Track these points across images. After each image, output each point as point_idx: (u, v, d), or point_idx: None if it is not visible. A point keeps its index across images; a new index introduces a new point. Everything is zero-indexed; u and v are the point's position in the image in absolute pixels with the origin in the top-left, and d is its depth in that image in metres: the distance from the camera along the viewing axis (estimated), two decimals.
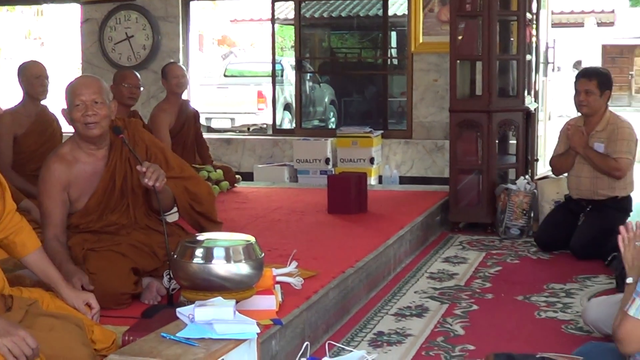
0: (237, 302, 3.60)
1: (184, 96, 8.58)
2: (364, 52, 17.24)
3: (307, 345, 3.45)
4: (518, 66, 7.99)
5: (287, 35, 21.74)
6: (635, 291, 3.34)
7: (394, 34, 14.66)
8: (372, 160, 9.86)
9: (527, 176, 7.73)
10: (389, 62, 13.10)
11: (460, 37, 7.94)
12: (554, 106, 18.54)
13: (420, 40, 10.07)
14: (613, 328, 3.46)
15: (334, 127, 13.57)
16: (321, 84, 15.97)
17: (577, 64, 24.88)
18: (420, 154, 10.12)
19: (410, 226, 6.76)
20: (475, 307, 5.42)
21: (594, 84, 6.78)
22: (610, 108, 6.96)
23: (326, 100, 16.04)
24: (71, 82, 4.47)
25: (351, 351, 3.38)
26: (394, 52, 14.62)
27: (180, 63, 10.30)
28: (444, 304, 5.46)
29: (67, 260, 4.30)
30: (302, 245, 5.79)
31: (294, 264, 4.65)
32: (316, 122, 15.57)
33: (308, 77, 14.80)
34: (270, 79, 11.63)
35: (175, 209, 4.83)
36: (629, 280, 3.51)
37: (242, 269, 3.87)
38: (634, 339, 3.35)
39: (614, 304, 4.34)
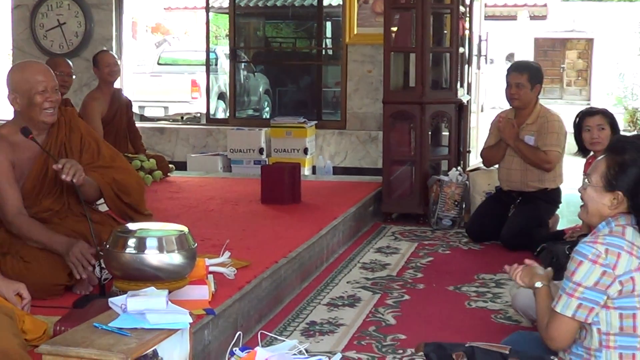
0: (169, 292, 3.59)
1: (117, 84, 8.50)
2: (298, 42, 17.22)
3: (239, 334, 3.45)
4: (451, 59, 8.08)
5: (222, 24, 21.62)
6: (562, 287, 3.40)
7: (329, 25, 14.67)
8: (306, 151, 9.88)
9: (459, 167, 7.82)
10: (323, 53, 13.11)
11: (394, 29, 7.99)
12: (487, 98, 18.76)
13: (355, 32, 10.12)
14: (541, 328, 3.52)
15: (268, 117, 13.54)
16: (256, 74, 15.92)
17: (510, 56, 25.17)
18: (353, 144, 10.17)
19: (343, 217, 6.80)
20: (407, 297, 5.48)
21: (525, 77, 6.88)
22: (542, 101, 7.07)
23: (261, 89, 16.00)
24: (24, 68, 4.54)
25: (283, 341, 3.39)
26: (328, 42, 14.64)
27: (113, 51, 10.20)
28: (376, 294, 5.51)
29: (46, 229, 4.37)
30: (235, 236, 5.78)
31: (227, 254, 4.65)
32: (250, 112, 15.53)
33: (242, 67, 14.75)
34: (204, 67, 11.59)
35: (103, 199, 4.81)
36: (538, 284, 3.60)
37: (175, 259, 3.86)
38: (563, 334, 3.41)
39: None
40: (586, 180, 3.51)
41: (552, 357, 3.46)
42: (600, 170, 3.45)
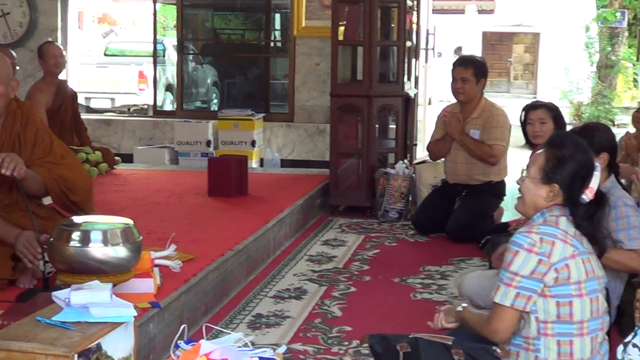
0: (114, 285, 3.58)
1: (62, 76, 8.42)
2: (247, 34, 17.15)
3: (184, 327, 3.45)
4: (398, 52, 8.12)
5: (170, 15, 21.44)
6: (499, 278, 3.46)
7: (277, 16, 14.63)
8: (253, 143, 9.88)
9: (405, 160, 7.87)
10: (272, 45, 13.09)
11: (342, 23, 8.01)
12: (435, 91, 18.88)
13: (303, 24, 10.13)
14: (483, 331, 3.56)
15: (216, 108, 13.48)
16: (204, 65, 15.83)
17: (458, 50, 25.35)
18: (301, 137, 10.19)
19: (290, 209, 6.81)
20: (353, 289, 5.51)
21: (470, 72, 6.95)
22: (489, 94, 7.13)
23: (209, 81, 15.91)
24: None
25: (229, 334, 3.39)
26: (277, 34, 14.61)
27: (59, 41, 10.08)
28: (323, 286, 5.53)
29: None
30: (181, 228, 5.77)
31: (173, 247, 4.64)
32: (199, 104, 15.43)
33: (191, 58, 14.66)
34: (152, 59, 11.52)
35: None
36: (459, 308, 3.70)
37: (120, 252, 3.85)
38: (505, 325, 3.46)
39: (489, 277, 4.50)
40: (524, 172, 3.59)
41: (494, 348, 3.50)
42: (538, 163, 3.53)
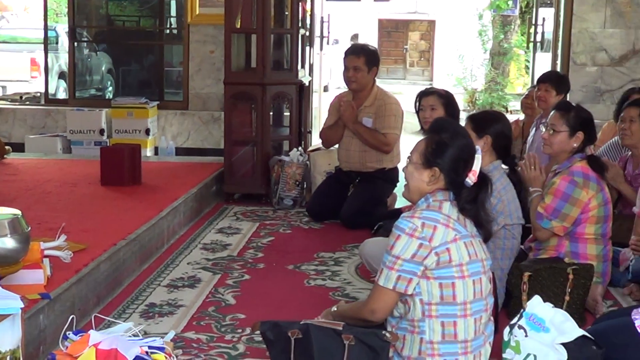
0: (2, 277, 3.54)
1: None
2: (142, 21, 16.95)
3: (72, 318, 3.43)
4: (292, 40, 8.15)
5: (63, 1, 21.11)
6: (382, 262, 3.54)
7: (173, 3, 14.49)
8: (147, 132, 9.80)
9: (300, 148, 7.92)
10: (167, 32, 12.97)
11: (236, 10, 7.99)
12: (332, 79, 18.98)
13: (197, 12, 10.07)
14: (360, 314, 3.65)
15: (111, 96, 13.31)
16: (98, 53, 15.60)
17: (355, 37, 25.54)
18: (196, 125, 10.14)
19: (184, 197, 6.79)
20: (247, 276, 5.53)
21: (362, 60, 7.01)
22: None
23: (103, 69, 15.67)
24: None
25: (119, 324, 3.39)
26: (173, 21, 14.48)
27: None
28: (217, 275, 5.54)
29: None
30: (73, 218, 5.71)
31: (63, 237, 4.58)
32: (93, 92, 15.21)
33: (84, 45, 14.43)
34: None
35: None
36: (334, 308, 3.85)
37: (7, 243, 3.79)
38: (383, 305, 3.56)
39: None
40: (408, 158, 3.67)
41: (383, 332, 3.57)
42: (420, 149, 3.62)
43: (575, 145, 4.95)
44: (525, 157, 5.25)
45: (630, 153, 6.08)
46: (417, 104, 6.10)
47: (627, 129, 5.87)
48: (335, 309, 3.82)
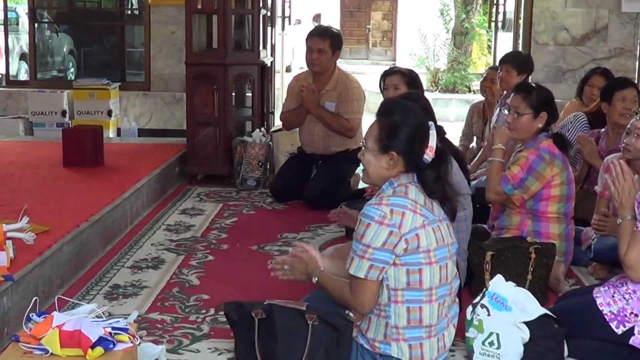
0: None
1: None
2: (103, 2, 16.81)
3: (35, 300, 3.42)
4: (253, 20, 8.13)
5: None
6: (352, 250, 3.52)
7: None
8: (110, 113, 9.75)
9: (262, 128, 7.91)
10: (129, 13, 12.87)
11: None
12: (295, 59, 18.92)
13: None
14: (346, 302, 3.63)
15: (73, 78, 13.20)
16: (59, 34, 15.45)
17: (317, 17, 25.46)
18: (159, 106, 10.10)
19: (147, 179, 6.76)
20: (210, 257, 5.54)
21: (327, 43, 7.00)
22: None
23: (65, 50, 15.53)
24: None
25: (83, 305, 3.39)
26: (134, 2, 14.37)
27: None
28: (180, 256, 5.54)
29: None
30: (35, 200, 5.67)
31: (25, 219, 4.57)
32: (55, 73, 15.08)
33: (46, 26, 14.29)
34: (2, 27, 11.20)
35: None
36: (315, 279, 3.81)
37: None
38: (370, 296, 3.53)
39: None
40: (363, 146, 3.64)
41: (347, 312, 3.59)
42: (374, 135, 3.58)
43: (539, 125, 4.98)
44: (500, 115, 5.24)
45: (603, 129, 6.12)
46: (382, 83, 6.11)
47: (629, 108, 5.91)
48: (315, 280, 3.77)
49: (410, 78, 6.04)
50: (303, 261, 3.83)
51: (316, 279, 3.77)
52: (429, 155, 3.53)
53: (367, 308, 3.57)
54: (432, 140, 3.55)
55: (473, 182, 6.06)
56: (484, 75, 7.99)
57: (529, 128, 4.98)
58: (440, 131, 4.74)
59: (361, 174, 3.81)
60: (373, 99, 14.56)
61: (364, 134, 7.00)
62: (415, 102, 4.45)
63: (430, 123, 3.60)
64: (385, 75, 6.11)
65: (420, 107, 4.22)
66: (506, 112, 5.11)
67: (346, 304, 3.61)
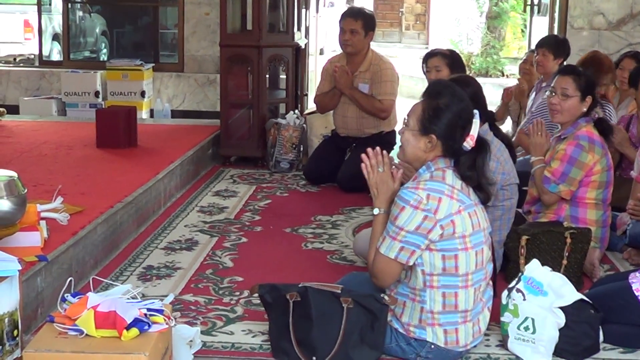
0: None
1: None
2: None
3: (70, 280, 3.42)
4: (288, 2, 8.08)
5: None
6: (386, 230, 3.51)
7: None
8: (143, 94, 9.75)
9: (296, 111, 7.89)
10: None
11: None
12: (328, 41, 18.87)
13: None
14: (368, 264, 3.64)
15: (105, 58, 13.22)
16: (92, 14, 15.48)
17: (350, 0, 25.38)
18: (192, 87, 10.09)
19: (180, 160, 6.76)
20: (244, 239, 5.52)
21: (360, 24, 6.95)
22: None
23: (97, 31, 15.54)
24: None
25: (117, 286, 3.37)
26: None
27: None
28: (214, 237, 5.53)
29: None
30: (69, 181, 5.69)
31: (60, 199, 4.57)
32: (87, 54, 15.10)
33: (78, 7, 14.32)
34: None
35: None
36: (376, 210, 3.68)
37: (4, 205, 3.77)
38: (387, 274, 3.55)
39: None
40: (404, 123, 3.62)
41: (382, 295, 3.58)
42: (417, 114, 3.56)
43: (584, 109, 4.93)
44: (533, 123, 5.22)
45: (635, 114, 6.05)
46: (424, 66, 6.09)
47: None
48: (378, 212, 3.67)
49: (452, 59, 6.02)
50: (392, 183, 3.70)
51: (379, 211, 3.68)
52: (468, 143, 3.51)
53: (379, 282, 3.60)
54: (475, 129, 3.52)
55: None
56: (525, 58, 7.90)
57: (575, 111, 4.92)
58: (491, 117, 4.71)
59: (397, 155, 3.78)
60: (406, 83, 14.49)
61: (397, 116, 7.07)
62: (467, 87, 4.43)
63: (475, 111, 3.56)
64: (427, 57, 6.10)
65: (470, 93, 4.19)
66: (548, 94, 5.04)
67: (368, 263, 3.64)
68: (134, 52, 13.10)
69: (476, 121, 3.54)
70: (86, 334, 3.05)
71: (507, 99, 7.51)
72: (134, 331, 3.05)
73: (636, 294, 3.84)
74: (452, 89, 3.62)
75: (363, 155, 3.75)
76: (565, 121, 4.97)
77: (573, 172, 4.82)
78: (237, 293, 4.52)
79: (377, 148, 3.74)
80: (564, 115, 4.93)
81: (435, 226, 3.43)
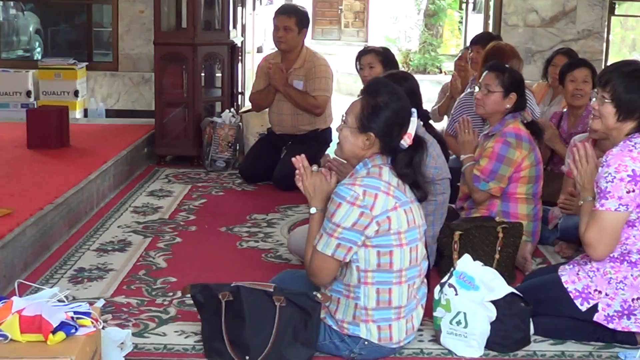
0: None
1: None
2: None
3: None
4: (223, 0, 8.03)
5: None
6: (323, 227, 3.51)
7: None
8: (76, 93, 9.61)
9: (232, 109, 7.84)
10: None
11: None
12: (267, 39, 18.81)
13: None
14: (305, 263, 3.63)
15: (40, 57, 13.02)
16: (25, 12, 15.25)
17: None
18: (127, 86, 9.97)
19: (114, 160, 6.67)
20: (178, 239, 5.48)
21: (293, 21, 6.94)
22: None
23: (31, 29, 15.33)
24: None
25: (44, 289, 3.31)
26: None
27: None
28: (147, 238, 5.48)
29: None
30: None
31: None
32: (20, 53, 14.89)
33: (11, 4, 14.10)
34: None
35: None
36: (312, 210, 3.67)
37: None
38: (325, 271, 3.54)
39: None
40: (342, 120, 3.62)
41: (314, 293, 3.56)
42: (355, 112, 3.57)
43: (508, 106, 4.99)
44: (459, 121, 5.26)
45: (565, 110, 6.14)
46: (357, 63, 6.10)
47: (581, 89, 5.94)
48: (314, 211, 3.67)
49: (385, 56, 6.04)
50: (327, 183, 3.70)
51: (315, 210, 3.67)
52: (406, 141, 3.53)
53: (317, 280, 3.60)
54: (412, 128, 3.54)
55: None
56: (460, 55, 7.93)
57: (498, 106, 4.98)
58: (425, 115, 4.74)
59: (335, 149, 3.76)
60: (345, 80, 14.50)
61: (333, 113, 7.06)
62: (405, 82, 4.46)
63: (413, 110, 3.58)
64: (360, 55, 6.12)
65: (407, 89, 4.22)
66: (477, 89, 5.09)
67: (305, 262, 3.63)
68: (68, 50, 12.93)
69: (414, 120, 3.56)
70: (11, 339, 2.98)
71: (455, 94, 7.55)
72: (61, 335, 2.99)
73: (565, 286, 3.89)
74: (390, 88, 3.62)
75: (294, 161, 3.74)
76: (488, 114, 5.04)
77: (502, 169, 4.87)
78: (171, 294, 4.47)
79: (302, 155, 3.72)
80: (486, 109, 5.01)
81: (372, 222, 3.43)
